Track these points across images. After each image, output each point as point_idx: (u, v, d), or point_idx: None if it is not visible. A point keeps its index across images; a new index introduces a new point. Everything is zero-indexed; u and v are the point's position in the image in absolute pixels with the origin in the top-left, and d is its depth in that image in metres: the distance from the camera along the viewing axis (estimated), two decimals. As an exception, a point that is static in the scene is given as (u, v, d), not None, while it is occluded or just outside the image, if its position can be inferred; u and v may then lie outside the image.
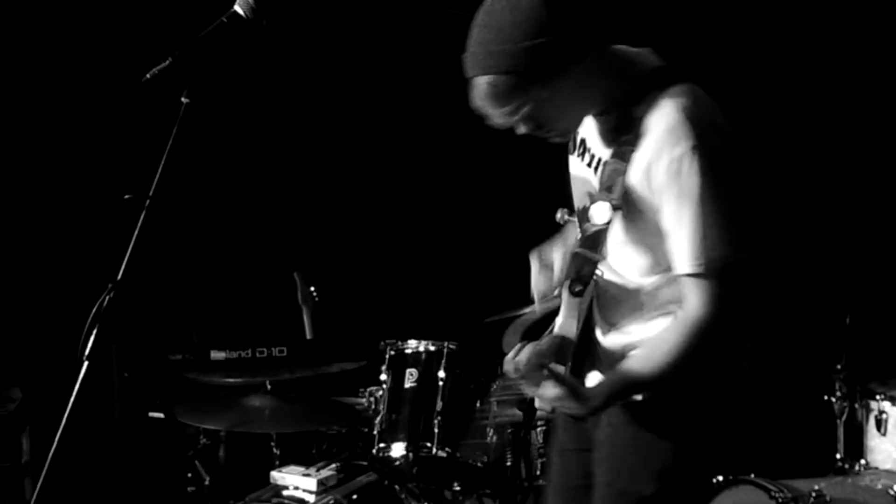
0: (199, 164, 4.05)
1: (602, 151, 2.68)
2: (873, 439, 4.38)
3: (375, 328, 4.63)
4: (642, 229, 2.61)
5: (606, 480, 2.79)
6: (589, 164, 2.74)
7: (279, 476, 4.32)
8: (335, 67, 5.57)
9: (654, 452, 2.73)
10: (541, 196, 4.44)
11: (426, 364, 4.19)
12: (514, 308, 4.57)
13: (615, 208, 2.56)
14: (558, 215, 4.29)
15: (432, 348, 4.20)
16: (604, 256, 2.66)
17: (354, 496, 4.24)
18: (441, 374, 4.13)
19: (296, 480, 4.27)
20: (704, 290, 2.54)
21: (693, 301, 2.56)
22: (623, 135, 2.57)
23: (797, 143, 5.19)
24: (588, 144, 2.74)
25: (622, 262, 2.72)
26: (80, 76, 5.08)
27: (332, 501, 4.17)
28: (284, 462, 4.46)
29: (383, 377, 4.25)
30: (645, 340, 2.68)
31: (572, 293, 2.67)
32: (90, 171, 5.10)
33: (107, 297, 2.60)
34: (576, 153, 2.82)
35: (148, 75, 2.61)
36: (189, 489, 4.47)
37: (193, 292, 5.32)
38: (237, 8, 2.72)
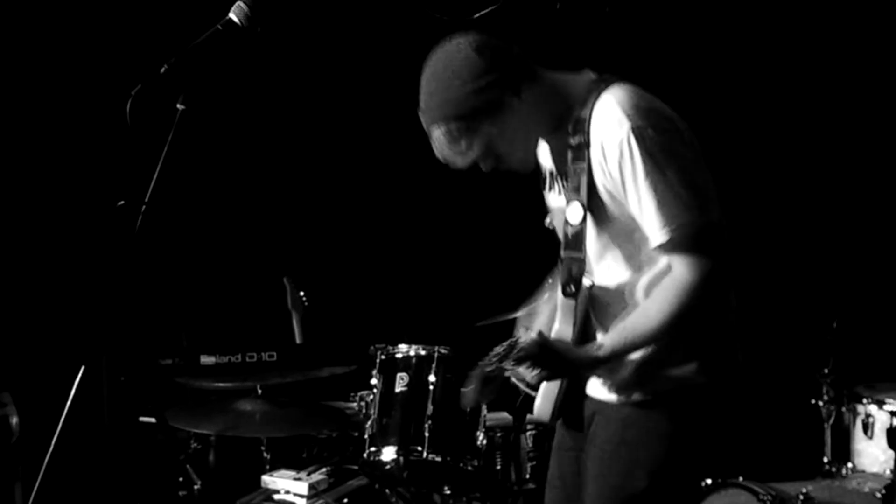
0: (190, 169, 4.06)
1: (559, 166, 2.83)
2: (860, 443, 4.41)
3: (365, 332, 4.63)
4: (618, 224, 2.74)
5: (599, 473, 2.86)
6: (559, 192, 2.89)
7: (270, 480, 4.33)
8: (326, 74, 5.58)
9: (646, 450, 2.80)
10: (529, 201, 4.48)
11: (417, 368, 4.19)
12: (505, 312, 4.59)
13: (584, 206, 2.72)
14: (547, 220, 4.34)
15: (423, 352, 4.20)
16: (586, 254, 2.78)
17: (345, 500, 4.25)
18: (432, 378, 4.13)
19: (287, 484, 4.27)
20: (682, 256, 2.65)
21: (676, 267, 2.67)
22: (574, 139, 2.72)
23: (785, 150, 5.22)
24: (553, 171, 2.89)
25: (607, 265, 2.82)
26: (76, 83, 5.08)
27: (322, 505, 4.19)
28: (275, 466, 4.46)
29: (374, 381, 4.25)
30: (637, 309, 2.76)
31: (565, 294, 2.79)
32: (83, 177, 5.10)
33: (104, 303, 2.60)
34: (548, 189, 2.96)
35: (144, 82, 2.62)
36: (180, 493, 4.47)
37: (183, 297, 5.32)
38: (232, 16, 2.74)
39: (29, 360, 4.98)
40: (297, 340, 4.99)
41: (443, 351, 4.18)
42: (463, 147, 2.73)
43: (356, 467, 4.36)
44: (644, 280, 2.76)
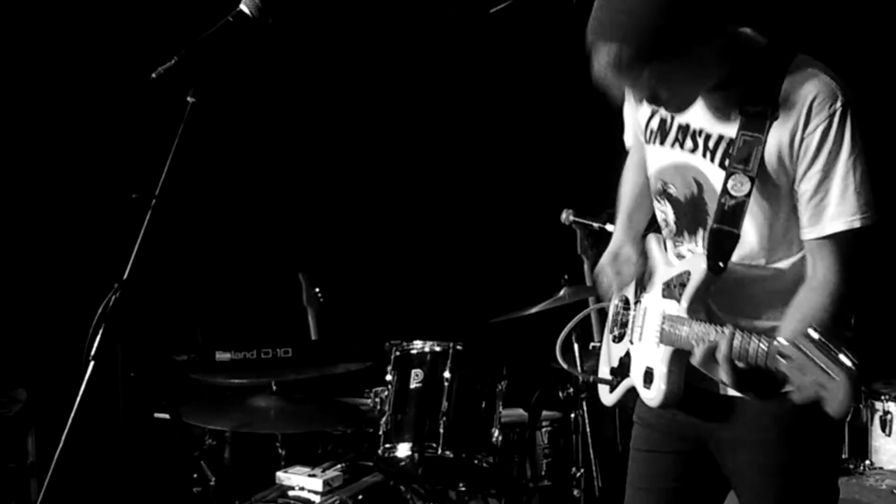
0: (204, 163, 4.05)
1: (720, 128, 2.64)
2: (878, 440, 4.39)
3: (380, 329, 4.64)
4: (773, 207, 2.61)
5: (762, 475, 2.73)
6: (694, 150, 2.70)
7: (285, 476, 4.33)
8: (340, 67, 5.57)
9: (807, 444, 2.70)
10: (544, 198, 4.46)
11: (431, 364, 4.19)
12: (519, 309, 4.58)
13: (752, 179, 2.55)
14: (563, 216, 4.32)
15: (438, 349, 4.20)
16: (741, 231, 2.61)
17: (360, 496, 4.24)
18: (447, 374, 4.13)
19: (301, 481, 4.27)
20: (843, 256, 2.55)
21: (831, 263, 2.55)
22: (753, 107, 2.57)
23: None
24: (694, 128, 2.70)
25: (744, 245, 2.66)
26: (85, 75, 5.08)
27: (337, 502, 4.17)
28: (290, 462, 4.46)
29: (389, 378, 4.26)
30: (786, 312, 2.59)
31: (713, 271, 2.62)
32: (96, 170, 5.10)
33: (112, 298, 2.59)
34: (669, 142, 2.76)
35: (154, 74, 2.61)
36: (195, 490, 4.46)
37: (199, 293, 5.32)
38: (243, 7, 2.71)
39: (45, 356, 4.99)
40: (313, 337, 4.99)
41: (458, 347, 4.18)
42: (625, 76, 2.50)
43: (371, 464, 4.36)
44: (787, 272, 2.64)
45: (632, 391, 2.88)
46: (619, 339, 2.96)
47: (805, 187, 2.55)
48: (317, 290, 5.02)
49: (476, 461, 4.11)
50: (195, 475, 4.50)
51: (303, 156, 5.67)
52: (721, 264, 2.61)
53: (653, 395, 2.73)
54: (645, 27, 2.44)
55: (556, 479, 4.51)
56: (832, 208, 2.53)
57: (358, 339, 4.70)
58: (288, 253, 5.42)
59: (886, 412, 4.32)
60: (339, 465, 4.38)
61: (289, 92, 5.54)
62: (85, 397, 2.69)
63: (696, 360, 2.52)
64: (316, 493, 4.22)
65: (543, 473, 4.46)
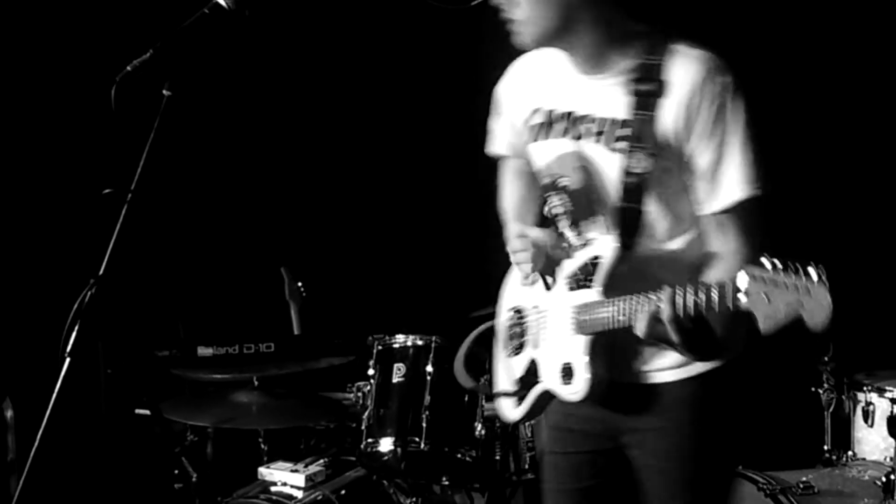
0: (183, 158, 4.03)
1: (607, 112, 2.66)
2: (860, 431, 4.39)
3: (363, 323, 4.63)
4: (672, 182, 2.64)
5: (668, 461, 2.77)
6: (580, 136, 2.71)
7: (267, 472, 4.32)
8: (320, 59, 5.55)
9: (711, 426, 2.75)
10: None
11: (414, 359, 4.19)
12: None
13: (651, 156, 2.58)
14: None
15: (420, 343, 4.20)
16: (648, 208, 2.64)
17: (343, 491, 4.24)
18: (429, 368, 4.13)
19: (284, 476, 4.26)
20: (746, 221, 2.60)
21: (737, 233, 2.61)
22: (641, 86, 2.60)
23: (786, 138, 5.18)
24: (579, 115, 2.72)
25: (648, 222, 2.69)
26: (58, 68, 5.04)
27: (320, 497, 4.17)
28: (272, 458, 4.45)
29: (371, 372, 4.25)
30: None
31: (625, 247, 2.65)
32: (70, 166, 5.06)
33: (89, 293, 2.57)
34: (552, 135, 2.78)
35: (129, 67, 2.59)
36: (176, 486, 4.45)
37: (180, 288, 5.30)
38: (219, -1, 2.70)
39: (26, 352, 4.96)
40: (295, 331, 4.98)
41: (440, 341, 4.18)
42: None
43: (353, 459, 4.36)
44: (688, 250, 2.68)
45: (540, 400, 2.87)
46: (516, 351, 2.95)
47: (702, 160, 2.59)
48: (299, 284, 5.01)
49: (459, 455, 4.11)
50: (177, 471, 4.48)
51: (284, 150, 5.65)
52: (631, 240, 2.65)
53: (576, 389, 2.70)
54: None
55: (539, 473, 4.50)
56: (731, 178, 2.58)
57: (340, 334, 4.70)
58: (270, 247, 5.40)
59: (869, 403, 4.33)
60: (321, 461, 4.37)
61: (269, 85, 5.52)
62: (62, 394, 2.67)
63: (640, 330, 2.51)
64: (298, 488, 4.21)
65: (526, 467, 4.45)
